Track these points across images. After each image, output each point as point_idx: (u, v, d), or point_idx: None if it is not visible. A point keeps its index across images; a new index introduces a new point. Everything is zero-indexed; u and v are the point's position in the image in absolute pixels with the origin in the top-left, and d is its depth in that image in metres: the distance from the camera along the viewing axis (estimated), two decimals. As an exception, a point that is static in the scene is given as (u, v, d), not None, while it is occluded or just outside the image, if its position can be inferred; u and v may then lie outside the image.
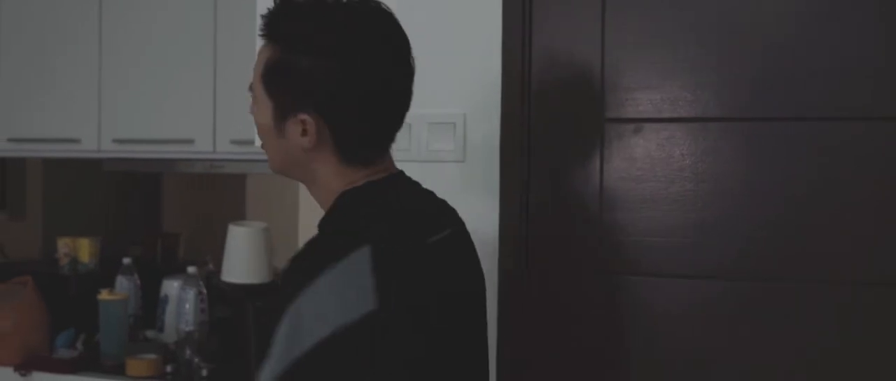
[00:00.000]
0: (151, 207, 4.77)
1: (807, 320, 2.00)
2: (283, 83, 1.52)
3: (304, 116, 1.50)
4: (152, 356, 3.25)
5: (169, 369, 3.25)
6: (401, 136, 2.14)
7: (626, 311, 2.09)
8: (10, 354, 3.32)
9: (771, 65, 2.01)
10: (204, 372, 3.18)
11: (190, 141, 3.49)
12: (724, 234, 2.03)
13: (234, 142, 3.41)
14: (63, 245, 3.77)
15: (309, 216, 2.62)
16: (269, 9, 1.55)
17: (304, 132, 1.52)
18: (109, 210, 4.54)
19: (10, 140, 3.78)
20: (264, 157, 3.36)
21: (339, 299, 1.37)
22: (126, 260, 3.61)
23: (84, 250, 3.76)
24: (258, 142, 2.29)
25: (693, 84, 2.05)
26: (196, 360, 3.21)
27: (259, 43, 1.56)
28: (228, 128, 3.44)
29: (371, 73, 1.51)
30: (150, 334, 3.55)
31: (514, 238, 2.11)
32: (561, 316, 2.09)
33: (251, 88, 1.58)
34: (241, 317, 3.34)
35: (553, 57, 2.11)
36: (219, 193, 4.57)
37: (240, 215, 4.23)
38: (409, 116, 2.05)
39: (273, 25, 1.53)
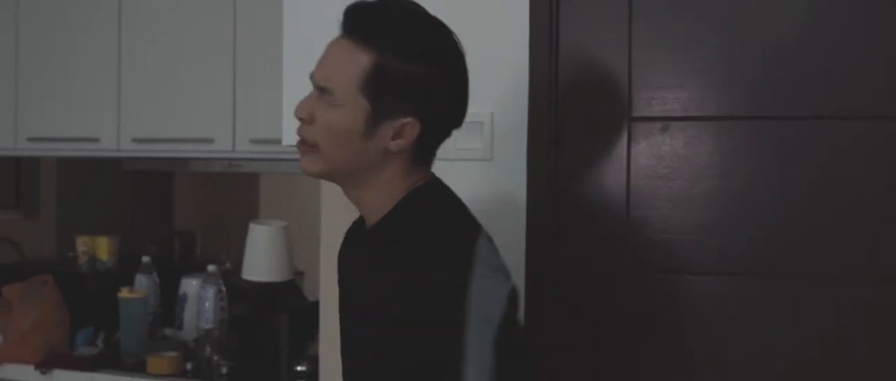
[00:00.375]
0: (164, 206, 4.79)
1: (833, 317, 2.02)
2: (386, 88, 1.59)
3: (407, 120, 1.59)
4: (173, 354, 3.27)
5: (189, 366, 3.27)
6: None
7: (654, 307, 2.11)
8: (31, 352, 3.35)
9: (798, 64, 2.02)
10: (224, 370, 3.21)
11: (209, 140, 3.51)
12: (750, 231, 2.05)
13: (253, 141, 3.43)
14: (82, 244, 3.79)
15: (333, 216, 2.64)
16: (354, 12, 1.61)
17: (398, 135, 1.60)
18: (123, 209, 4.56)
19: (29, 139, 3.81)
20: (283, 156, 3.40)
21: (494, 282, 1.57)
22: (145, 258, 3.64)
23: (103, 248, 3.79)
24: (288, 141, 2.32)
25: (719, 83, 2.07)
26: (216, 358, 3.23)
27: (344, 45, 1.61)
28: (248, 127, 3.46)
29: (462, 77, 1.65)
30: (168, 332, 3.58)
31: (542, 236, 2.13)
32: (590, 313, 2.10)
33: (325, 92, 1.61)
34: (261, 315, 3.36)
35: (580, 56, 2.12)
36: (232, 192, 4.59)
37: (253, 214, 4.26)
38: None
39: (370, 31, 1.59)
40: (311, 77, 1.66)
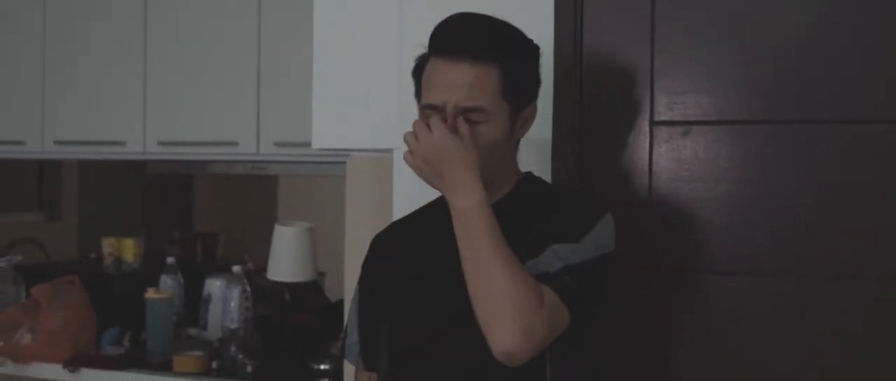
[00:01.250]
0: (185, 208, 4.85)
1: (850, 315, 2.06)
2: (519, 87, 1.79)
3: (530, 106, 1.84)
4: (198, 353, 3.32)
5: (214, 365, 3.32)
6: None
7: (677, 307, 2.15)
8: (59, 351, 3.39)
9: (818, 69, 2.06)
10: (249, 368, 3.26)
11: (234, 143, 3.56)
12: (770, 233, 2.09)
13: (277, 144, 3.48)
14: (107, 245, 3.85)
15: (357, 218, 2.70)
16: (457, 37, 1.75)
17: (527, 121, 1.84)
18: (144, 211, 4.63)
19: (56, 142, 3.87)
20: (306, 159, 3.45)
21: (609, 236, 1.79)
22: (170, 259, 3.69)
23: (128, 250, 3.84)
24: (318, 145, 2.37)
25: (740, 88, 2.11)
26: (241, 357, 3.28)
27: (465, 68, 1.73)
28: (272, 130, 3.51)
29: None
30: (192, 332, 3.62)
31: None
32: (613, 312, 2.15)
33: (473, 111, 1.73)
34: (285, 314, 3.42)
35: (604, 60, 2.17)
36: (252, 194, 4.65)
37: (272, 217, 4.31)
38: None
39: (484, 48, 1.74)
40: (433, 105, 1.75)
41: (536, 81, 1.86)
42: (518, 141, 1.88)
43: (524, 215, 1.80)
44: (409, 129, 2.26)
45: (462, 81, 1.73)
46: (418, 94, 1.83)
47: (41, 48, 3.90)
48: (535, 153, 2.21)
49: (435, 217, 1.86)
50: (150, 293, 3.43)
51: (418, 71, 1.82)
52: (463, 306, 1.69)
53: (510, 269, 1.64)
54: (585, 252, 1.73)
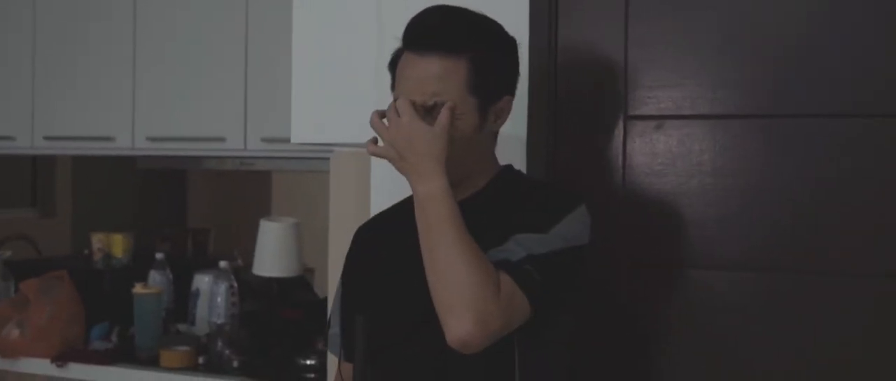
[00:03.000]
0: (177, 203, 4.87)
1: (822, 310, 2.07)
2: (488, 80, 1.77)
3: (503, 98, 1.82)
4: (185, 348, 3.34)
5: (201, 360, 3.35)
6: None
7: (649, 301, 2.16)
8: (47, 346, 3.42)
9: (787, 64, 2.08)
10: (235, 363, 3.28)
11: (221, 139, 3.58)
12: (743, 226, 2.11)
13: (264, 139, 3.50)
14: (97, 241, 3.87)
15: (341, 215, 2.71)
16: (425, 30, 1.76)
17: (498, 115, 1.82)
18: (136, 207, 4.64)
19: (46, 138, 3.89)
20: (293, 155, 3.46)
21: (580, 229, 1.78)
22: (159, 255, 3.71)
23: (118, 245, 3.86)
24: (297, 139, 2.38)
25: (712, 82, 2.12)
26: (227, 352, 3.30)
27: (432, 61, 1.74)
28: (259, 126, 3.53)
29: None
30: (181, 327, 3.64)
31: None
32: (588, 306, 2.16)
33: (436, 108, 1.73)
34: (272, 310, 3.44)
35: (578, 56, 2.18)
36: (243, 190, 4.67)
37: (265, 212, 4.33)
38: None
39: (453, 41, 1.75)
40: (396, 100, 1.76)
41: (512, 74, 1.86)
42: (495, 134, 1.88)
43: (497, 207, 1.81)
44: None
45: (427, 75, 1.74)
46: (393, 87, 1.84)
47: (32, 45, 3.92)
48: (509, 149, 2.23)
49: (412, 209, 1.86)
50: (138, 289, 3.46)
51: (393, 64, 1.84)
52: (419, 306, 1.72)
53: (467, 256, 1.65)
54: (553, 243, 1.72)
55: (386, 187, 2.27)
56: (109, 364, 3.38)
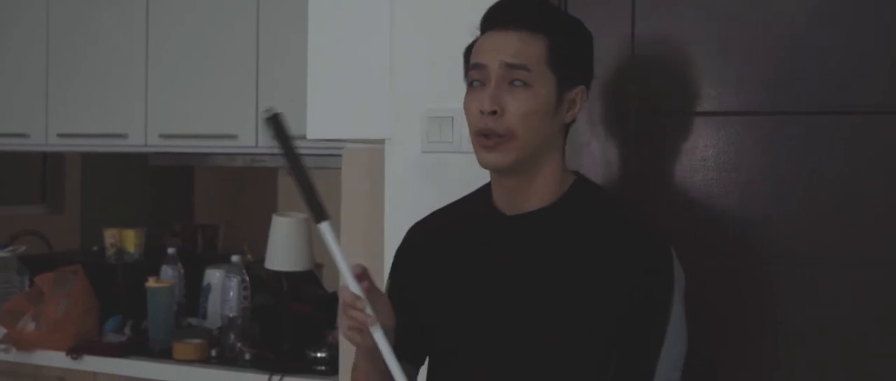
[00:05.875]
0: (184, 200, 4.93)
1: (823, 299, 2.14)
2: (566, 59, 1.74)
3: (578, 88, 1.77)
4: (198, 341, 3.39)
5: (213, 353, 3.40)
6: (445, 129, 2.30)
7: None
8: (62, 338, 3.47)
9: (789, 62, 2.14)
10: (247, 356, 3.33)
11: (233, 136, 3.64)
12: (744, 220, 2.17)
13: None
14: (110, 236, 3.92)
15: (352, 211, 2.76)
16: (509, 9, 1.75)
17: (571, 106, 1.77)
18: (144, 204, 4.70)
19: (59, 135, 3.95)
20: (304, 151, 3.49)
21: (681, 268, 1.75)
22: (171, 250, 3.76)
23: (130, 240, 3.91)
24: (313, 135, 2.43)
25: (715, 80, 2.19)
26: (239, 345, 3.36)
27: (513, 35, 1.71)
28: (270, 123, 3.58)
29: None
30: (192, 321, 3.69)
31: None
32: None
33: (517, 69, 1.70)
34: (283, 304, 3.49)
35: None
36: (250, 186, 4.73)
37: (270, 208, 4.38)
38: (453, 111, 2.21)
39: (535, 20, 1.73)
40: (479, 63, 1.73)
41: (588, 65, 1.82)
42: (566, 131, 1.81)
43: (570, 236, 1.75)
44: (402, 119, 2.31)
45: (507, 43, 1.71)
46: (466, 70, 1.79)
47: (45, 42, 3.98)
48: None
49: (478, 217, 1.85)
50: (151, 282, 3.51)
51: (469, 52, 1.80)
52: (517, 332, 1.73)
53: None
54: (678, 334, 1.73)
55: (402, 184, 2.33)
56: (123, 357, 3.42)
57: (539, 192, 1.77)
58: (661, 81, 2.23)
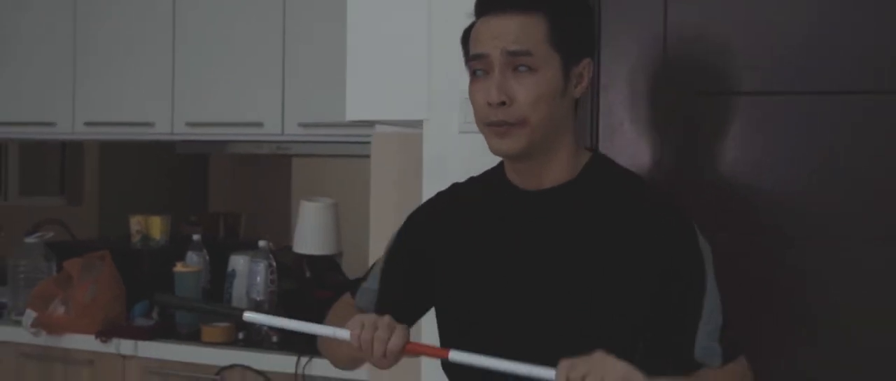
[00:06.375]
0: (200, 189, 4.98)
1: (841, 274, 2.22)
2: (569, 35, 1.70)
3: (585, 61, 1.73)
4: (226, 324, 3.45)
5: (240, 336, 3.46)
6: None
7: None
8: (91, 322, 3.52)
9: (821, 42, 2.21)
10: (274, 339, 3.40)
11: (259, 124, 3.70)
12: (774, 196, 2.24)
13: (301, 125, 3.61)
14: (135, 223, 3.97)
15: (381, 196, 2.81)
16: None
17: (579, 80, 1.73)
18: (162, 194, 4.74)
19: (86, 124, 4.00)
20: (329, 139, 3.54)
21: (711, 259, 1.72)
22: (196, 237, 3.82)
23: (156, 227, 3.96)
24: (352, 116, 2.48)
25: (748, 61, 2.25)
26: (266, 328, 3.41)
27: (509, 18, 1.67)
28: (296, 111, 3.65)
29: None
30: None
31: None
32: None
33: (520, 55, 1.66)
34: (308, 289, 3.55)
35: (620, 33, 2.31)
36: (270, 175, 4.78)
37: (284, 196, 4.43)
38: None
39: (527, 1, 1.68)
40: (480, 54, 1.70)
41: (590, 36, 1.79)
42: (576, 104, 1.76)
43: (595, 206, 1.73)
44: (440, 100, 2.34)
45: (506, 28, 1.67)
46: (467, 59, 1.76)
47: (72, 31, 4.03)
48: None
49: (494, 193, 1.82)
50: (179, 267, 3.57)
51: (466, 37, 1.76)
52: (535, 311, 1.69)
53: None
54: (714, 305, 1.69)
55: (439, 165, 2.37)
56: (152, 339, 3.48)
57: (555, 170, 1.74)
58: (694, 62, 2.29)
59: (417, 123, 2.47)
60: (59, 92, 4.05)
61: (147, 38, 3.89)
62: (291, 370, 3.23)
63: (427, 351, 1.65)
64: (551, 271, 1.71)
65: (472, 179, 1.90)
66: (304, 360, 3.23)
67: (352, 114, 2.48)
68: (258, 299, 3.52)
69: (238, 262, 3.72)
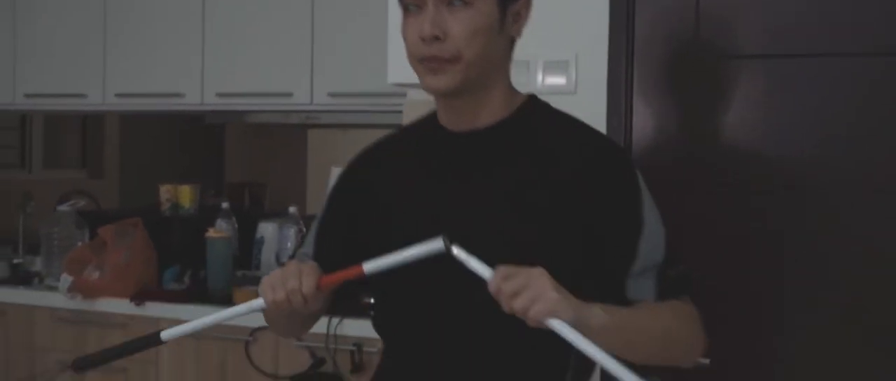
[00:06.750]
0: (219, 158, 5.07)
1: (858, 224, 2.34)
2: None
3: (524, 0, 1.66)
4: (256, 287, 3.53)
5: (272, 298, 3.54)
6: (519, 72, 2.44)
7: (724, 221, 2.40)
8: (125, 286, 3.61)
9: (840, 8, 2.31)
10: (305, 301, 3.48)
11: (288, 94, 3.78)
12: (793, 155, 2.36)
13: (330, 94, 3.70)
14: (165, 191, 4.04)
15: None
16: None
17: (518, 17, 1.66)
18: (176, 165, 4.82)
19: (116, 95, 4.08)
20: (357, 108, 3.61)
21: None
22: (224, 205, 3.90)
23: (185, 195, 4.04)
24: (394, 79, 2.55)
25: (773, 26, 2.35)
26: (300, 289, 3.50)
27: None
28: (325, 81, 3.71)
29: None
30: (246, 273, 3.84)
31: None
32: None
33: (452, 2, 1.59)
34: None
35: (654, 2, 2.41)
36: (280, 145, 4.86)
37: (301, 166, 4.49)
38: (527, 55, 2.36)
39: None
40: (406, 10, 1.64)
41: None
42: (512, 45, 1.70)
43: (533, 139, 1.68)
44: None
45: None
46: None
47: (102, 3, 4.09)
48: (591, 87, 2.44)
49: (425, 139, 1.76)
50: (211, 233, 3.65)
51: None
52: (476, 251, 1.53)
53: (673, 334, 1.63)
54: (656, 233, 1.65)
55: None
56: (185, 303, 3.56)
57: (489, 109, 1.67)
58: (719, 26, 2.39)
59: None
60: (90, 64, 4.11)
61: (177, 9, 3.95)
62: (322, 330, 3.31)
63: (342, 275, 1.60)
64: (486, 212, 1.64)
65: (404, 128, 1.87)
66: (335, 321, 3.32)
67: (393, 77, 2.56)
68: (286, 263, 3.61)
69: (267, 229, 3.81)
